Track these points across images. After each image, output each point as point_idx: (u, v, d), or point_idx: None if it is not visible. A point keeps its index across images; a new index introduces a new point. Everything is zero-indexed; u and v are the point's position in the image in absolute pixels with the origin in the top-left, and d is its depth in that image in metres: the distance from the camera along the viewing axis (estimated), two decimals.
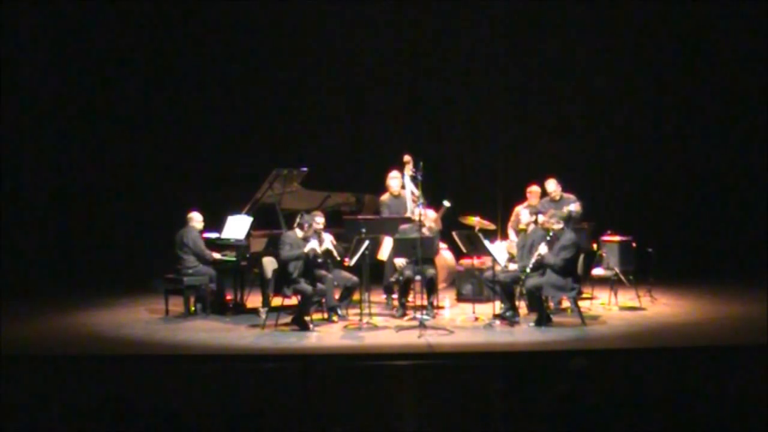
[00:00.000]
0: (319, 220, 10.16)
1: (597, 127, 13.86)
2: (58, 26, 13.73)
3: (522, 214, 10.50)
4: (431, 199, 10.65)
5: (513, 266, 10.19)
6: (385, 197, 11.10)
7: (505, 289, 9.99)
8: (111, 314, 10.91)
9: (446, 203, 10.81)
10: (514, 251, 10.45)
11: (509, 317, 9.91)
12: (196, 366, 8.50)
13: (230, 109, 14.02)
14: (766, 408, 6.17)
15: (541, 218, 10.44)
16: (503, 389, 6.78)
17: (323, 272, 10.10)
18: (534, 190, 11.38)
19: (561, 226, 9.80)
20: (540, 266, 9.75)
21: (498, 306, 10.03)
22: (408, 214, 10.73)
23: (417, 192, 10.62)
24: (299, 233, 9.94)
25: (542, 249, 9.71)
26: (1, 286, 12.23)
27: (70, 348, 9.20)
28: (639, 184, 13.85)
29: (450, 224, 10.93)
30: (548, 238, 9.75)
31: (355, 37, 13.96)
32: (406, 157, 10.91)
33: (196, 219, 10.80)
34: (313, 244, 9.79)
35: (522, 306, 10.21)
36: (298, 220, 10.06)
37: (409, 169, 10.87)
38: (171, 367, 8.44)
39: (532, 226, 10.27)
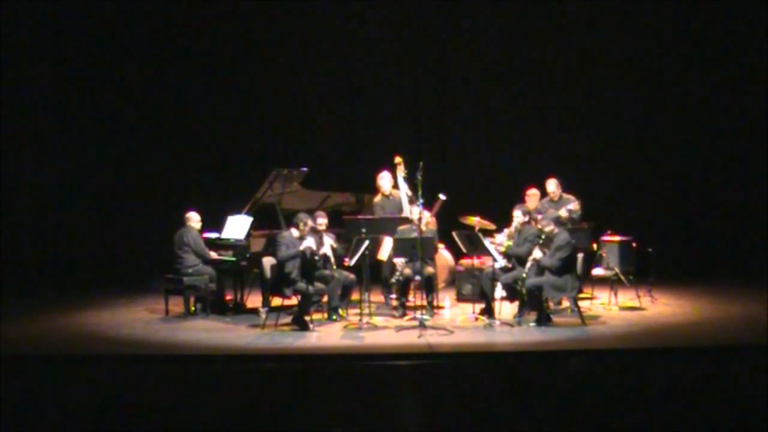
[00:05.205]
0: (321, 221, 10.15)
1: (597, 127, 13.86)
2: (58, 24, 13.72)
3: (515, 215, 10.38)
4: (429, 198, 10.64)
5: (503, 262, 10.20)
6: (377, 198, 11.10)
7: (501, 289, 10.06)
8: (111, 314, 10.91)
9: (441, 196, 10.79)
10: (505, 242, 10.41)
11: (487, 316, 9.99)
12: (196, 366, 8.49)
13: (230, 109, 14.03)
14: (766, 408, 6.18)
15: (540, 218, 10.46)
16: (503, 389, 6.78)
17: (327, 272, 10.09)
18: (533, 192, 11.39)
19: (552, 227, 9.82)
20: (538, 270, 9.77)
21: (497, 307, 10.04)
22: (405, 214, 10.72)
23: (410, 193, 10.63)
24: (295, 233, 9.93)
25: (536, 254, 9.73)
26: (1, 286, 12.23)
27: (70, 348, 9.19)
28: (639, 184, 13.85)
29: (450, 224, 10.92)
30: (540, 241, 9.76)
31: (355, 37, 13.97)
32: (398, 159, 10.92)
33: (194, 219, 10.81)
34: (308, 242, 9.77)
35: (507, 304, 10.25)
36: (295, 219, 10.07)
37: (401, 170, 10.87)
38: (171, 367, 8.44)
39: (527, 226, 10.23)
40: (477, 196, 12.57)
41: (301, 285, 9.71)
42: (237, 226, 10.83)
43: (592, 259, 10.88)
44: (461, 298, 11.38)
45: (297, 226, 9.92)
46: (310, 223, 9.95)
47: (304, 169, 10.98)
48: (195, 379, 7.95)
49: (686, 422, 6.02)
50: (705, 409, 6.16)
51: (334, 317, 10.16)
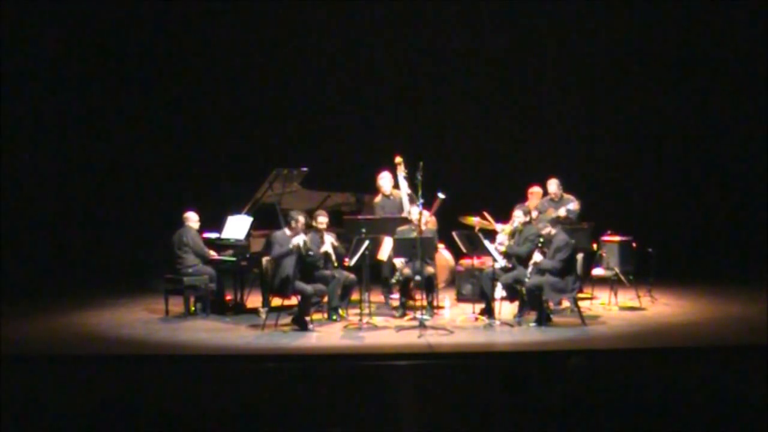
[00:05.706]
0: (322, 220, 10.15)
1: (597, 127, 13.86)
2: (58, 24, 13.72)
3: (516, 214, 10.37)
4: (428, 198, 10.63)
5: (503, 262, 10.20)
6: (377, 199, 11.09)
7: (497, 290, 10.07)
8: (111, 314, 10.91)
9: (440, 195, 10.78)
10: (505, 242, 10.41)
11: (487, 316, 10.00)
12: (196, 366, 8.50)
13: (230, 109, 14.03)
14: (766, 408, 6.18)
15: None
16: (503, 389, 6.78)
17: (327, 272, 10.09)
18: (535, 191, 11.38)
19: (549, 229, 9.82)
20: (538, 271, 9.77)
21: (497, 307, 10.05)
22: (405, 214, 10.72)
23: (410, 192, 10.62)
24: (288, 231, 9.93)
25: (537, 257, 9.74)
26: (1, 286, 12.23)
27: (70, 348, 9.19)
28: (639, 184, 13.85)
29: (450, 224, 10.92)
30: (539, 244, 9.76)
31: (355, 37, 13.97)
32: (398, 158, 10.92)
33: (192, 219, 10.81)
34: (297, 240, 9.76)
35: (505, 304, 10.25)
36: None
37: (401, 170, 10.87)
38: (171, 367, 8.44)
39: (528, 226, 10.23)
40: (477, 196, 12.56)
41: (302, 285, 9.71)
42: (237, 226, 10.83)
43: (592, 259, 10.88)
44: (461, 298, 11.37)
45: (289, 225, 9.93)
46: (302, 220, 9.93)
47: (304, 169, 10.98)
48: (195, 379, 7.95)
49: (686, 422, 6.02)
50: (705, 409, 6.17)
51: (334, 317, 10.16)
